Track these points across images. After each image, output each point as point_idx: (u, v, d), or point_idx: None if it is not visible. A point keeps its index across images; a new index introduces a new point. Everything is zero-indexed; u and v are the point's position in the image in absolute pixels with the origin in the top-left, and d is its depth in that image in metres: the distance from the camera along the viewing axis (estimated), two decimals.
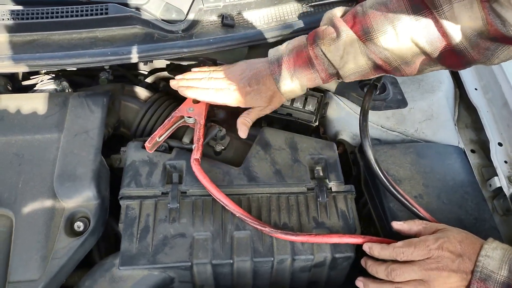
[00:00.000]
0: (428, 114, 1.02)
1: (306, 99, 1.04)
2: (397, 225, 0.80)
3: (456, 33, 0.73)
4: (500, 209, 0.97)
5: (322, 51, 0.84)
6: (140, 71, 1.32)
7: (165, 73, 1.28)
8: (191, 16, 1.02)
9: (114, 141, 1.02)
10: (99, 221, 0.82)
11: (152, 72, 1.30)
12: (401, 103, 1.01)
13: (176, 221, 0.81)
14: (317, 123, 1.05)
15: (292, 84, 0.88)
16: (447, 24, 0.73)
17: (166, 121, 0.90)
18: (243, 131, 0.92)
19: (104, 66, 1.16)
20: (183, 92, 0.94)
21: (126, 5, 1.01)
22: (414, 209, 0.83)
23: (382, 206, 0.88)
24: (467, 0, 0.70)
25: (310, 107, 1.04)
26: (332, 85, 1.04)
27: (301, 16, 1.11)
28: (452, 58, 0.78)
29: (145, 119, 0.98)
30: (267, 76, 0.90)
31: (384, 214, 0.87)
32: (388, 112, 1.01)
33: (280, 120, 1.07)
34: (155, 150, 0.89)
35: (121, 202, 0.83)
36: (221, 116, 1.17)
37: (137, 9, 1.01)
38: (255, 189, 0.87)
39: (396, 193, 0.83)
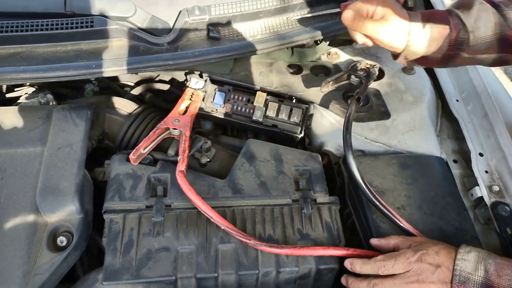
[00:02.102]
0: (411, 125, 1.04)
1: (291, 110, 1.05)
2: (375, 241, 0.82)
3: None
4: (481, 218, 0.98)
5: (457, 14, 0.87)
6: (126, 83, 1.32)
7: (151, 85, 1.29)
8: (176, 29, 1.03)
9: (98, 154, 1.02)
10: (82, 236, 0.82)
11: (138, 83, 1.30)
12: (384, 114, 1.03)
13: (160, 235, 0.81)
14: (302, 134, 1.06)
15: (424, 31, 0.87)
16: None
17: (151, 133, 0.90)
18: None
19: (89, 78, 1.16)
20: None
21: (112, 18, 1.02)
22: (397, 220, 0.84)
23: (365, 218, 0.89)
24: None
25: (295, 118, 1.05)
26: (316, 97, 1.06)
27: (286, 29, 1.12)
28: None
29: (129, 132, 0.98)
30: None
31: (367, 226, 0.88)
32: (372, 123, 1.03)
33: (266, 131, 1.08)
34: (140, 163, 0.89)
35: (105, 216, 0.83)
36: (207, 127, 1.18)
37: (123, 21, 1.02)
38: (240, 202, 0.87)
39: (378, 205, 0.84)
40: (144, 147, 0.88)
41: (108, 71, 0.96)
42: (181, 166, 0.84)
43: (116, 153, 0.93)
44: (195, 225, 0.82)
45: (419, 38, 0.87)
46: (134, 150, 0.87)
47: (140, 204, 0.84)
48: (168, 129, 0.92)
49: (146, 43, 1.01)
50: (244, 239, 0.78)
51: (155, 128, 0.90)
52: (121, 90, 1.26)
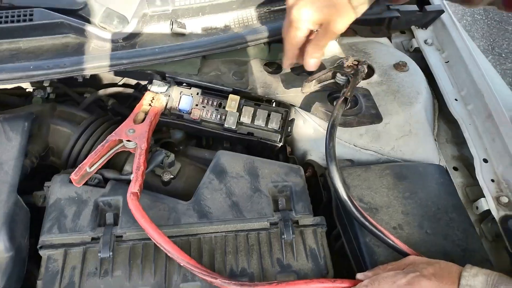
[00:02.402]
0: (406, 129, 0.91)
1: (269, 115, 0.91)
2: (360, 276, 0.68)
3: None
4: (488, 234, 0.86)
5: None
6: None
7: (115, 89, 1.13)
8: (134, 23, 0.89)
9: (43, 173, 0.86)
10: (12, 277, 0.66)
11: (99, 88, 1.14)
12: (375, 118, 0.90)
13: (109, 274, 0.66)
14: (282, 143, 0.92)
15: None
16: None
17: (99, 146, 0.75)
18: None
19: (43, 83, 1.01)
20: None
21: (57, 10, 0.87)
22: (392, 242, 0.71)
23: (357, 241, 0.75)
24: None
25: (274, 124, 0.91)
26: (297, 100, 0.92)
27: (263, 22, 0.99)
28: None
29: (78, 146, 0.83)
30: None
31: (359, 251, 0.75)
32: (361, 128, 0.89)
33: (242, 140, 0.93)
34: (86, 184, 0.74)
35: (41, 253, 0.68)
36: (177, 137, 1.03)
37: (71, 14, 0.87)
38: (208, 227, 0.73)
39: (369, 226, 0.71)
40: (90, 165, 0.73)
41: (50, 73, 0.81)
42: (134, 187, 0.69)
43: (59, 173, 0.78)
44: (151, 260, 0.68)
45: None
46: (77, 168, 0.72)
47: (84, 236, 0.69)
48: (121, 141, 0.77)
49: (98, 40, 0.87)
50: (209, 277, 0.64)
51: (105, 141, 0.75)
52: (79, 97, 1.10)
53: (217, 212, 0.74)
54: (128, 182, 0.76)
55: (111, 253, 0.67)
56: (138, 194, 0.69)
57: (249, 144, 0.96)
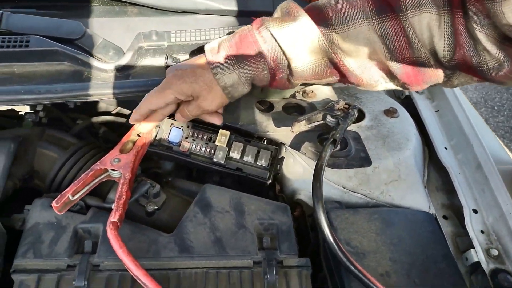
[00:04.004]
0: (395, 174, 0.90)
1: (258, 152, 0.91)
2: None
3: (421, 43, 0.67)
4: (479, 287, 0.83)
5: (271, 33, 0.73)
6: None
7: (108, 117, 1.13)
8: (128, 55, 0.90)
9: (26, 196, 0.84)
10: None
11: (92, 116, 1.15)
12: (365, 161, 0.89)
13: None
14: (270, 181, 0.91)
15: (234, 75, 0.76)
16: (411, 32, 0.67)
17: (83, 175, 0.73)
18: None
19: (36, 106, 1.01)
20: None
21: (55, 38, 0.88)
22: None
23: (343, 287, 0.73)
24: (436, 15, 0.63)
25: (263, 161, 0.91)
26: (287, 138, 0.92)
27: None
28: (413, 73, 0.72)
29: (62, 171, 0.82)
30: (204, 64, 0.78)
31: None
32: (350, 171, 0.89)
33: (231, 174, 0.92)
34: (68, 210, 0.72)
35: (14, 277, 0.65)
36: (166, 167, 1.02)
37: (68, 43, 0.89)
38: (188, 262, 0.70)
39: (356, 272, 0.68)
40: (73, 193, 0.71)
41: (41, 98, 0.81)
42: (114, 216, 0.67)
43: (41, 197, 0.76)
44: None
45: (232, 85, 0.80)
46: (59, 196, 0.70)
47: (60, 263, 0.67)
48: (106, 170, 0.76)
49: (91, 69, 0.87)
50: None
51: (89, 169, 0.74)
52: (72, 122, 1.10)
53: (199, 247, 0.72)
54: (110, 210, 0.75)
55: (86, 282, 0.64)
56: (118, 224, 0.67)
57: (239, 179, 0.95)
